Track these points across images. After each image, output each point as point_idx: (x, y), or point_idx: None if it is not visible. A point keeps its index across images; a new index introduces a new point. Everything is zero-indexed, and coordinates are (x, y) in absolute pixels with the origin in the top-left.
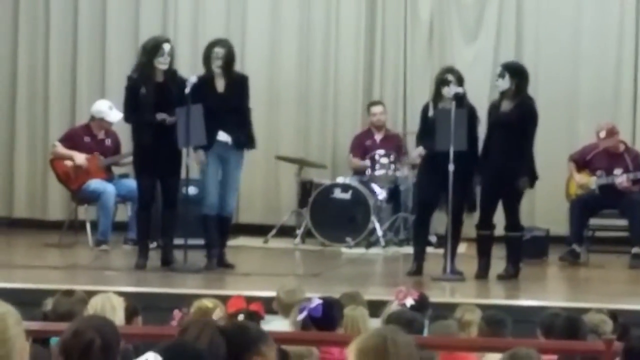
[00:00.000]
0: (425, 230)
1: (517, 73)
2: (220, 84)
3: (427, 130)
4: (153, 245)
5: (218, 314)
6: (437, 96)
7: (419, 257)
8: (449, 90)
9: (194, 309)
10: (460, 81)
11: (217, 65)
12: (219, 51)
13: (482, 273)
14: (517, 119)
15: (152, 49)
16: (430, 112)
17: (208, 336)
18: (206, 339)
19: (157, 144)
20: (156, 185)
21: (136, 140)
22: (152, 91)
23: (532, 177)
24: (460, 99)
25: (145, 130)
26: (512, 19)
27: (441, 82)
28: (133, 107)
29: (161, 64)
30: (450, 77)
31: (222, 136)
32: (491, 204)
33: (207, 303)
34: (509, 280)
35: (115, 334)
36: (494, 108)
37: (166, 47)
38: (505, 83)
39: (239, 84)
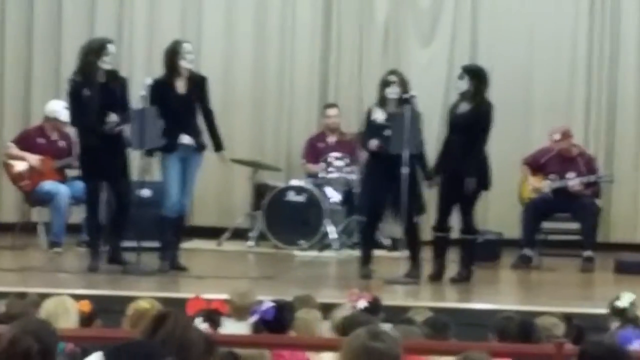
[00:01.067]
0: (375, 233)
1: (476, 75)
2: (180, 85)
3: (372, 133)
4: (106, 248)
5: None
6: (382, 98)
7: (370, 260)
8: (391, 92)
9: (130, 311)
10: (403, 83)
11: (189, 60)
12: (188, 46)
13: (437, 275)
14: (472, 121)
15: (98, 48)
16: (375, 115)
17: (193, 330)
18: (194, 333)
19: (104, 146)
20: (103, 187)
21: (83, 142)
22: (96, 92)
23: (485, 181)
24: (406, 102)
25: (92, 133)
26: (467, 24)
27: (384, 83)
28: (79, 110)
29: (106, 63)
30: (392, 78)
31: (186, 139)
32: (447, 205)
33: (144, 304)
34: (462, 283)
35: (53, 336)
36: (453, 109)
37: (111, 47)
38: (464, 85)
39: (199, 85)
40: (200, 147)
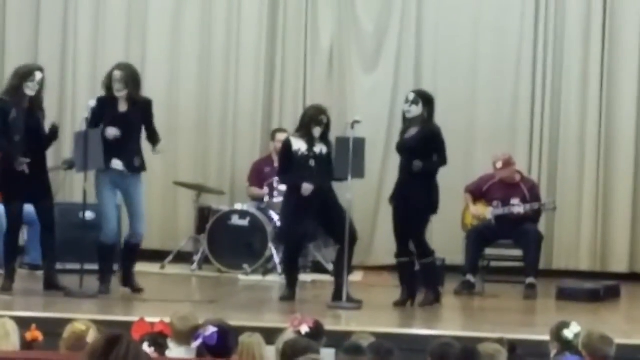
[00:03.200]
0: (297, 259)
1: (429, 101)
2: (122, 106)
3: (296, 165)
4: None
5: (92, 335)
6: (307, 133)
7: (294, 283)
8: (318, 131)
9: (67, 333)
10: (329, 123)
11: (116, 89)
12: (117, 74)
13: (405, 300)
14: (419, 143)
15: (24, 74)
16: (297, 147)
17: (144, 356)
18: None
19: (26, 169)
20: (23, 209)
21: (4, 164)
22: (21, 115)
23: (433, 205)
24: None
25: (13, 155)
26: (412, 49)
27: (315, 121)
28: (2, 130)
29: (30, 89)
30: (324, 119)
31: (115, 163)
32: (403, 230)
33: (80, 326)
34: (431, 306)
35: None
36: (402, 134)
37: (38, 75)
38: (417, 110)
39: (141, 108)
40: (132, 169)
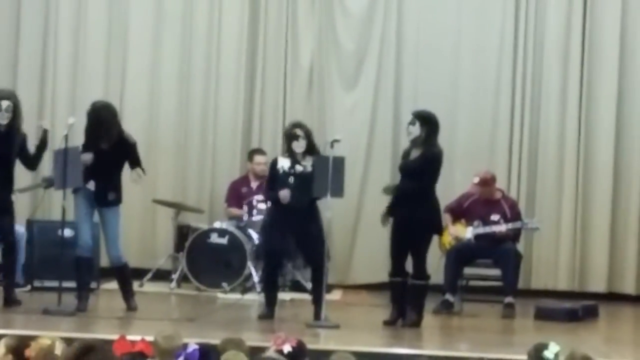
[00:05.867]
0: (277, 277)
1: (427, 122)
2: (105, 143)
3: (278, 182)
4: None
5: (59, 348)
6: (289, 150)
7: (273, 301)
8: (298, 145)
9: (34, 351)
10: (308, 135)
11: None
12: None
13: (394, 319)
14: (422, 167)
15: None
16: (280, 164)
17: None
18: None
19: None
20: None
21: None
22: None
23: (436, 226)
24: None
25: None
26: (392, 68)
27: (290, 137)
28: None
29: (1, 118)
30: (298, 131)
31: (91, 184)
32: (401, 250)
33: (46, 340)
34: (412, 327)
35: None
36: (405, 155)
37: (3, 103)
38: (415, 130)
39: (124, 149)
40: (104, 204)
